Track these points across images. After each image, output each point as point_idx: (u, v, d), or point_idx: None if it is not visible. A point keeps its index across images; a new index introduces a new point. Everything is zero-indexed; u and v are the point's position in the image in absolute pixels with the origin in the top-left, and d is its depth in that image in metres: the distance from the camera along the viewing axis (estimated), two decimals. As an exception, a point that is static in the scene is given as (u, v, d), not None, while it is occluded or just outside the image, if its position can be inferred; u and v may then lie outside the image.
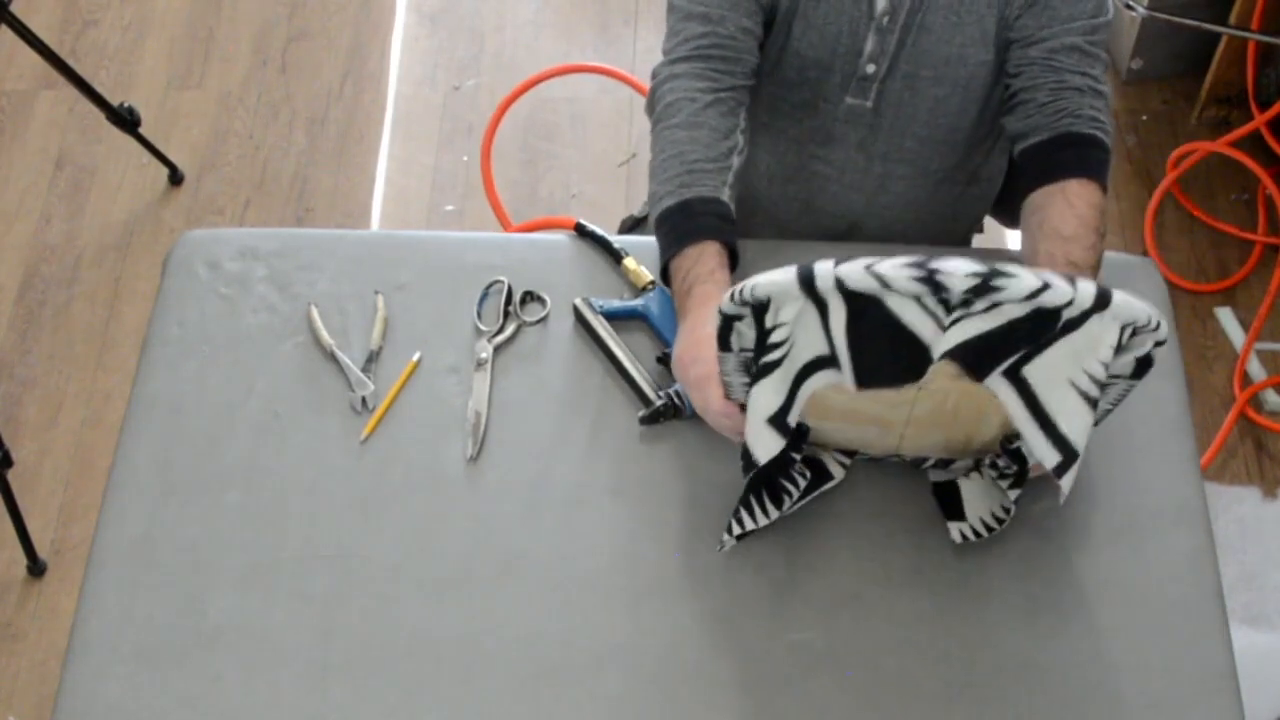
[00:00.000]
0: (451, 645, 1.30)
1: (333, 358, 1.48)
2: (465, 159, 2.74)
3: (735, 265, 1.44)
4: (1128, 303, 1.16)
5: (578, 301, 1.50)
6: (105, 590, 1.34)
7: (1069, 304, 1.15)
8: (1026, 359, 1.20)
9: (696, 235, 1.41)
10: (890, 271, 1.16)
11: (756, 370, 1.25)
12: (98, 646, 1.31)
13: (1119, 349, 1.19)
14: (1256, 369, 2.40)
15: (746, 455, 1.29)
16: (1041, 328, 1.17)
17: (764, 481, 1.33)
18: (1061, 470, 1.22)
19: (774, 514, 1.33)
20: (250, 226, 2.62)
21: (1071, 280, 1.16)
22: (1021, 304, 1.15)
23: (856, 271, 1.16)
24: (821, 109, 1.58)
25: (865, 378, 1.22)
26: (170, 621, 1.32)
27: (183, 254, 1.57)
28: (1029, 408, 1.22)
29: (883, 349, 1.20)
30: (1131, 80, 2.79)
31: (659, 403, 1.41)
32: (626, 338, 1.47)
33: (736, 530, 1.33)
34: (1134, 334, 1.18)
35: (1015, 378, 1.21)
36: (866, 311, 1.18)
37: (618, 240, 1.55)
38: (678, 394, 1.41)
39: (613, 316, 1.49)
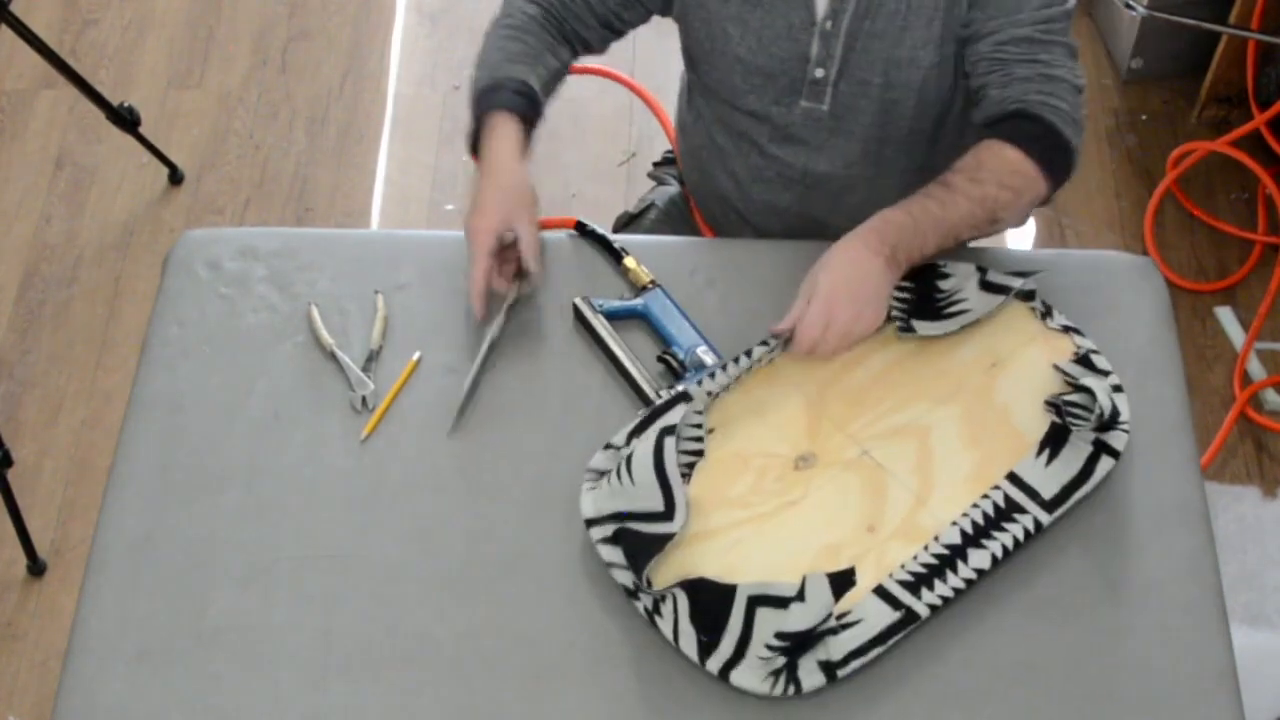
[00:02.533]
0: (451, 645, 1.30)
1: (333, 358, 1.48)
2: (465, 159, 2.74)
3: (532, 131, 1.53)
4: None
5: (578, 301, 1.50)
6: (105, 590, 1.34)
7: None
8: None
9: (495, 108, 1.51)
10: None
11: None
12: (98, 646, 1.31)
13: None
14: (1256, 369, 2.40)
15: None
16: None
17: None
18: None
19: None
20: (250, 226, 2.62)
21: None
22: None
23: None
24: (775, 113, 1.59)
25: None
26: (170, 621, 1.32)
27: (183, 254, 1.57)
28: None
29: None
30: (1131, 80, 2.79)
31: (659, 402, 1.41)
32: (626, 337, 1.47)
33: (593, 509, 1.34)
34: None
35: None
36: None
37: (618, 239, 1.55)
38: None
39: (613, 316, 1.49)
